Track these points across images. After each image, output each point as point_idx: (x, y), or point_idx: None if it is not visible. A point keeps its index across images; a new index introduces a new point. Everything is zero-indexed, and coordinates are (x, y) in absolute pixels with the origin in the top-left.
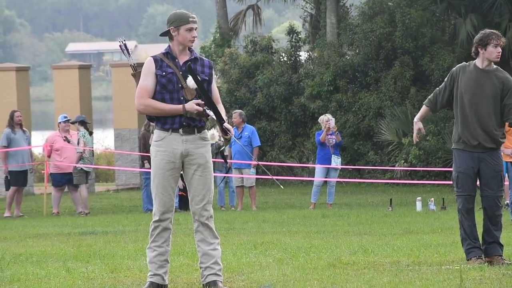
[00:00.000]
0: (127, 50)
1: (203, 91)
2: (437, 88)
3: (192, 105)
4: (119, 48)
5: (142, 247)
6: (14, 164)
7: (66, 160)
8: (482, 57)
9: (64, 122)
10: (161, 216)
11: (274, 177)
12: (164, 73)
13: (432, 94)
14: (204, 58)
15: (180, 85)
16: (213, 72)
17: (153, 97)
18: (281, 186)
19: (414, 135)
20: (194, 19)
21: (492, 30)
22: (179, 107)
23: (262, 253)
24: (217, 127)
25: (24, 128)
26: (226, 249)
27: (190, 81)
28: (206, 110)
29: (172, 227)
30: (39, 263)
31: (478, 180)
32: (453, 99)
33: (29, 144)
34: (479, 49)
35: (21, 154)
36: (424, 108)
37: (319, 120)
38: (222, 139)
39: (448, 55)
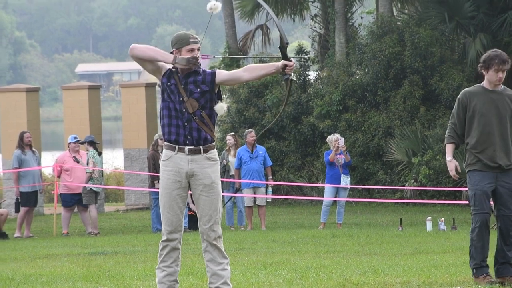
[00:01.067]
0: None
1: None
2: (451, 122)
3: (183, 57)
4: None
5: (151, 268)
6: (25, 185)
7: (76, 180)
8: (486, 79)
9: (74, 142)
10: (169, 235)
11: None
12: (168, 83)
13: (449, 130)
14: (207, 70)
15: (181, 98)
16: (219, 71)
17: (162, 104)
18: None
19: (453, 173)
20: (195, 40)
21: (498, 53)
22: (171, 56)
23: (272, 273)
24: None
25: (33, 149)
26: (235, 269)
27: (212, 4)
28: (198, 57)
29: (181, 247)
30: (49, 284)
31: (493, 199)
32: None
33: (39, 164)
34: (483, 70)
35: (32, 175)
36: (450, 146)
37: (327, 139)
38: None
39: (457, 75)
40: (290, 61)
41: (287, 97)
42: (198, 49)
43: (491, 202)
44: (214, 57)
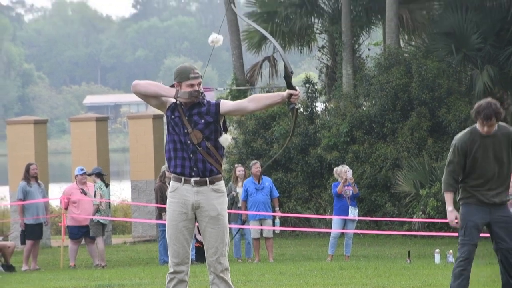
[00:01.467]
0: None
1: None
2: (449, 170)
3: (185, 90)
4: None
5: None
6: (29, 217)
7: (83, 212)
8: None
9: (81, 174)
10: (176, 267)
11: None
12: (173, 116)
13: (448, 177)
14: (211, 101)
15: (186, 130)
16: (223, 101)
17: (167, 137)
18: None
19: (453, 224)
20: (196, 75)
21: (485, 107)
22: (173, 90)
23: None
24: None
25: (39, 181)
26: None
27: (225, 139)
28: (202, 92)
29: (189, 279)
30: None
31: (489, 233)
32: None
33: (44, 196)
34: (475, 118)
35: (36, 207)
36: (451, 195)
37: (335, 171)
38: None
39: (465, 106)
40: (296, 90)
41: (293, 127)
42: (199, 84)
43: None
44: (216, 89)
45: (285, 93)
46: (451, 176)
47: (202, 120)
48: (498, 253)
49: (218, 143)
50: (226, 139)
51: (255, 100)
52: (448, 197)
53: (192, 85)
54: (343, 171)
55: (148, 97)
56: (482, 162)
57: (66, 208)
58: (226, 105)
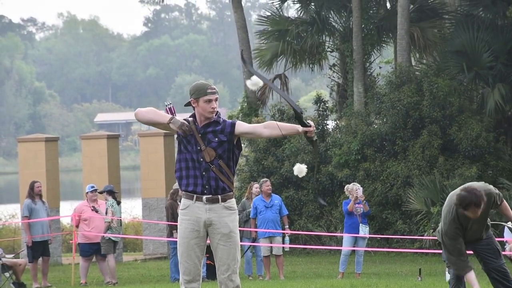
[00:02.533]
0: (174, 113)
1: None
2: (458, 256)
3: (179, 120)
4: (167, 111)
5: None
6: (35, 235)
7: (94, 230)
8: None
9: (92, 192)
10: (186, 285)
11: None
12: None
13: (461, 261)
14: (227, 120)
15: (199, 148)
16: (239, 123)
17: (178, 156)
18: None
19: None
20: (213, 91)
21: (462, 201)
22: (168, 115)
23: None
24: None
25: (43, 199)
26: None
27: (254, 80)
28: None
29: None
30: None
31: (476, 256)
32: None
33: (48, 215)
34: (460, 208)
35: (41, 225)
36: (473, 273)
37: (346, 189)
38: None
39: (476, 124)
40: (310, 126)
41: (317, 156)
42: (216, 100)
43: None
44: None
45: (301, 129)
46: (461, 259)
47: (216, 139)
48: (490, 273)
49: (230, 161)
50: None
51: (271, 128)
52: (472, 277)
53: (209, 101)
54: (354, 189)
55: (150, 123)
56: (470, 232)
57: (77, 226)
58: (242, 126)
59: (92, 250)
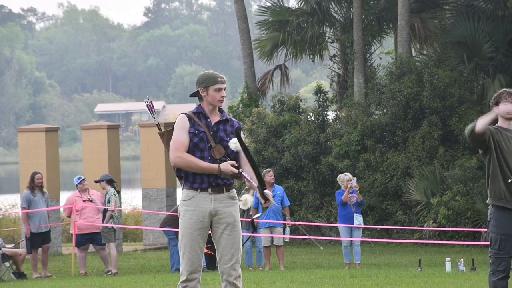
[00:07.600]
0: (153, 109)
1: (248, 156)
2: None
3: (227, 167)
4: (146, 108)
5: None
6: (32, 226)
7: (86, 220)
8: (499, 117)
9: (80, 183)
10: (188, 276)
11: (312, 237)
12: (196, 131)
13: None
14: (234, 120)
15: (209, 145)
16: (242, 133)
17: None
18: (321, 248)
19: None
20: (223, 79)
21: (506, 89)
22: (215, 166)
23: None
24: (256, 192)
25: (44, 190)
26: None
27: (233, 143)
28: (241, 172)
29: (200, 287)
30: None
31: None
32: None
33: (48, 205)
34: (494, 109)
35: (39, 216)
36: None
37: (338, 179)
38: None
39: (476, 115)
40: (268, 200)
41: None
42: (225, 89)
43: None
44: (251, 182)
45: (257, 189)
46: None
47: (228, 138)
48: None
49: (236, 159)
50: (233, 143)
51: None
52: (482, 118)
53: (219, 89)
54: (345, 179)
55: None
56: (507, 157)
57: (69, 216)
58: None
59: (84, 240)
